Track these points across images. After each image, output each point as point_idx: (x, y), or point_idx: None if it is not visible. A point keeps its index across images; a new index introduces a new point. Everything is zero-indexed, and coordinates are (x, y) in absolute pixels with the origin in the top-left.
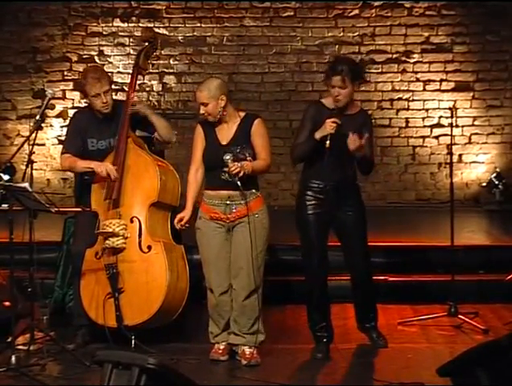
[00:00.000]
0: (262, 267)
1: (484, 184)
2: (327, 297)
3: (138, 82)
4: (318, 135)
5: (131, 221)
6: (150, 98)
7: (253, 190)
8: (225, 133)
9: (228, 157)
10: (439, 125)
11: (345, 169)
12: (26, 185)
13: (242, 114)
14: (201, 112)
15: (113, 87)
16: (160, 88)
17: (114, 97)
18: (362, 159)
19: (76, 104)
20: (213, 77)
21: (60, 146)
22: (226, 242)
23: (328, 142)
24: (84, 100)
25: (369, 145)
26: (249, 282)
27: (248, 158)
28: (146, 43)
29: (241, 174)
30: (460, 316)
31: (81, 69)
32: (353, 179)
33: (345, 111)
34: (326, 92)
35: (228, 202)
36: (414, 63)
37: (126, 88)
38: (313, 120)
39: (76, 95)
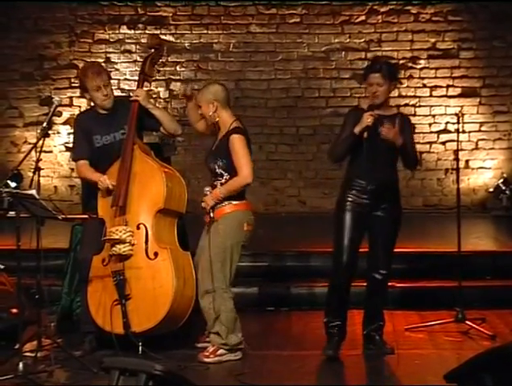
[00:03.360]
0: (218, 272)
1: (491, 190)
2: (347, 299)
3: (145, 89)
4: (357, 129)
5: (138, 228)
6: (157, 105)
7: (223, 201)
8: (217, 140)
9: (207, 189)
10: (445, 131)
11: (387, 170)
12: (33, 192)
13: (233, 126)
14: (199, 112)
15: (119, 94)
16: (167, 95)
17: (116, 93)
18: (403, 149)
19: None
20: (215, 83)
21: (67, 153)
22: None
23: (365, 133)
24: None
25: (409, 140)
26: (203, 284)
27: (217, 170)
28: (152, 50)
29: (207, 209)
30: (467, 322)
31: None
32: (394, 182)
33: (382, 111)
34: (362, 99)
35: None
36: (421, 69)
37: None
38: (352, 124)
39: (83, 102)
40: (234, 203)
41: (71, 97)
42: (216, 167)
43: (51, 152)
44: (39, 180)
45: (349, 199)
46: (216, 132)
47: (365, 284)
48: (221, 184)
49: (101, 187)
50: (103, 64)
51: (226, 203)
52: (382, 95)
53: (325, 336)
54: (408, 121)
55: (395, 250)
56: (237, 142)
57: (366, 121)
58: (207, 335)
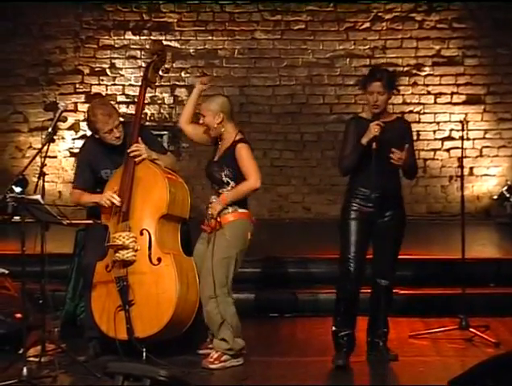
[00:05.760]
0: (221, 277)
1: (495, 197)
2: (356, 307)
3: (150, 95)
4: (364, 140)
5: (141, 234)
6: (162, 111)
7: (228, 208)
8: (220, 151)
9: (214, 197)
10: (450, 138)
11: (390, 177)
12: (38, 197)
13: (238, 137)
14: (200, 122)
15: (124, 100)
16: (171, 101)
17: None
18: (407, 168)
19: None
20: (220, 95)
21: (72, 159)
22: (205, 251)
23: (374, 144)
24: None
25: (411, 151)
26: (207, 290)
27: (223, 179)
28: (155, 56)
29: (214, 215)
30: (471, 329)
31: (93, 82)
32: (397, 189)
33: (382, 118)
34: (363, 107)
35: (208, 213)
36: (426, 76)
37: (136, 100)
38: (355, 133)
39: None
40: (240, 210)
41: (75, 103)
42: (223, 176)
43: (55, 157)
44: (43, 185)
45: (354, 208)
46: (216, 142)
47: (369, 290)
48: (228, 192)
49: (108, 205)
50: (108, 71)
51: (231, 209)
52: (383, 103)
53: (332, 343)
54: (410, 126)
55: (401, 257)
56: (245, 151)
57: (374, 132)
58: (209, 342)
